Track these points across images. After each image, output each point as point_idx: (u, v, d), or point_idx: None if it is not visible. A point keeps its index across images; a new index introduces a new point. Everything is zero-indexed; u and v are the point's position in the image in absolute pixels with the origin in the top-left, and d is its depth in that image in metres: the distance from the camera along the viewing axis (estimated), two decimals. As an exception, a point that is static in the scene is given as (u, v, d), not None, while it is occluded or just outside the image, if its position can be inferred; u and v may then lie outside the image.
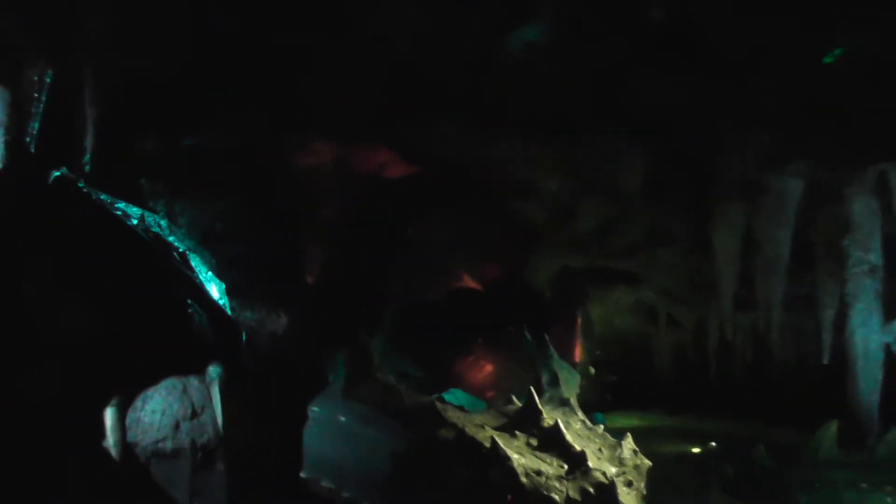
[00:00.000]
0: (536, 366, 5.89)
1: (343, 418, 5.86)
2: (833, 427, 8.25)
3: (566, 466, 4.64)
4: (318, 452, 5.79)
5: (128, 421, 5.22)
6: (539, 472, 4.54)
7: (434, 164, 10.59)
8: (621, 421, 10.75)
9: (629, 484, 4.68)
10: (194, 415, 5.41)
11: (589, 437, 5.05)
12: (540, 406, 5.09)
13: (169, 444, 5.29)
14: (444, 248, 11.79)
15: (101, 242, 5.77)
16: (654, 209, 11.94)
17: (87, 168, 6.74)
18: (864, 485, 7.50)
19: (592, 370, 12.27)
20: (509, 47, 8.72)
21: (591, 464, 4.58)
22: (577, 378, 6.46)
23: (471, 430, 5.08)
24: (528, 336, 6.91)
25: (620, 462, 4.84)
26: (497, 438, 4.73)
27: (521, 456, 4.67)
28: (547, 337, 6.69)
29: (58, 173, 6.20)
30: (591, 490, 4.38)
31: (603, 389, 13.18)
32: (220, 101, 8.06)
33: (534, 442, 4.88)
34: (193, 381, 5.56)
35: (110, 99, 6.81)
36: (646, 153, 10.30)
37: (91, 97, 6.69)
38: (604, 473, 4.49)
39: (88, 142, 6.72)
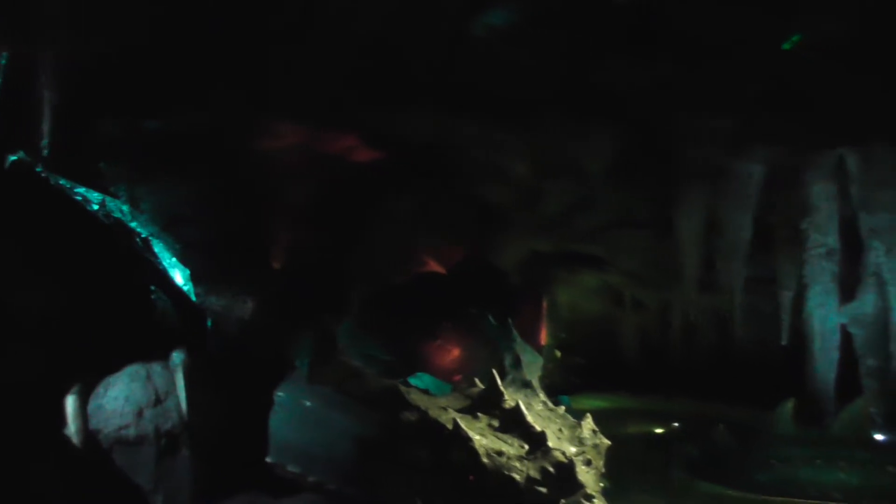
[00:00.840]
0: (500, 349, 5.92)
1: (309, 403, 5.83)
2: (790, 405, 8.44)
3: (527, 447, 4.68)
4: (283, 437, 5.78)
5: (90, 408, 5.19)
6: (500, 453, 4.59)
7: (400, 148, 10.55)
8: (587, 403, 10.85)
9: (588, 463, 4.75)
10: (158, 401, 5.38)
11: (550, 418, 5.10)
12: (501, 388, 5.12)
13: (132, 431, 5.25)
14: (410, 232, 11.77)
15: (59, 228, 5.69)
16: (619, 193, 12.03)
17: (45, 152, 6.64)
18: (819, 461, 7.69)
19: (558, 353, 12.38)
20: (475, 31, 8.71)
21: (550, 444, 4.64)
22: (541, 361, 6.53)
23: (434, 412, 5.11)
24: (492, 320, 6.94)
25: (580, 442, 4.90)
26: (459, 420, 4.77)
27: (482, 437, 4.71)
28: (510, 321, 6.74)
29: (14, 157, 6.09)
30: (551, 469, 4.43)
31: (569, 372, 13.27)
32: (182, 84, 7.95)
33: (495, 423, 4.92)
34: (157, 368, 5.53)
35: (68, 81, 6.69)
36: (611, 137, 10.35)
37: (48, 79, 6.57)
38: (563, 453, 4.55)
39: (46, 125, 6.60)
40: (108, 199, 7.21)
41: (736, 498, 7.54)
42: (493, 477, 4.52)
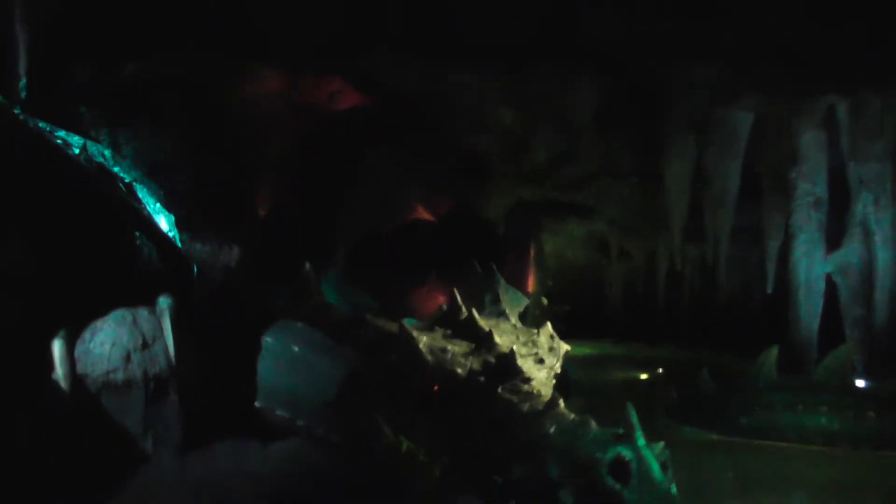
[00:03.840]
0: (481, 291, 5.88)
1: (297, 348, 5.79)
2: (774, 353, 8.48)
3: (474, 346, 4.74)
4: (272, 382, 5.75)
5: (77, 353, 5.11)
6: (444, 350, 4.64)
7: (386, 95, 10.40)
8: (573, 350, 10.96)
9: (541, 361, 4.78)
10: (145, 346, 5.32)
11: (512, 332, 5.12)
12: (460, 303, 5.13)
13: (120, 376, 5.19)
14: (397, 182, 11.69)
15: (39, 171, 5.55)
16: (606, 142, 11.97)
17: (23, 94, 6.46)
18: (801, 407, 7.78)
19: (545, 301, 12.42)
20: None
21: (497, 341, 4.67)
22: (525, 301, 6.53)
23: (388, 328, 5.14)
24: (477, 266, 6.91)
25: (534, 344, 4.93)
26: (405, 325, 4.80)
27: (429, 339, 4.75)
28: (494, 266, 6.71)
29: (-9, 99, 5.93)
30: (493, 361, 4.46)
31: (555, 319, 13.33)
32: (162, 28, 7.75)
33: (448, 332, 4.95)
34: (143, 313, 5.45)
35: (43, 22, 6.48)
36: (597, 86, 10.23)
37: (22, 19, 6.36)
38: (507, 348, 4.58)
39: (22, 66, 6.42)
40: (89, 143, 7.04)
41: (718, 442, 7.66)
42: (437, 372, 4.55)
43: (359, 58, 9.48)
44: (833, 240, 10.23)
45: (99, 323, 5.24)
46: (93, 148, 7.10)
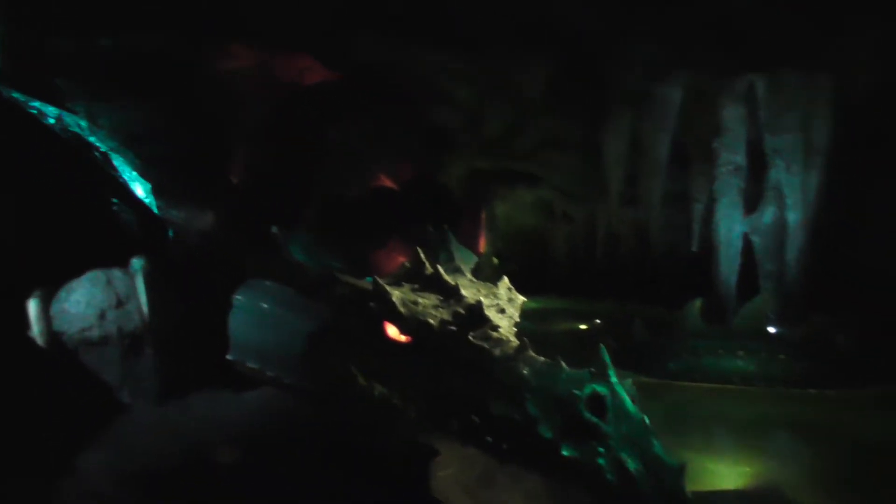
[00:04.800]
0: (436, 250, 5.75)
1: (266, 305, 5.63)
2: (698, 304, 8.54)
3: (442, 298, 4.63)
4: (243, 337, 5.61)
5: (53, 311, 4.88)
6: (416, 303, 4.54)
7: (352, 70, 10.08)
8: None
9: (501, 311, 4.71)
10: (119, 304, 5.09)
11: (472, 286, 5.03)
12: (423, 259, 5.01)
13: (96, 332, 4.98)
14: (362, 151, 11.42)
15: (13, 140, 5.22)
16: (552, 116, 11.81)
17: (-2, 66, 6.06)
18: (721, 351, 7.84)
19: (496, 260, 12.34)
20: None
21: (464, 293, 4.58)
22: (474, 259, 6.43)
23: (361, 284, 4.99)
24: (431, 228, 6.78)
25: (495, 296, 4.85)
26: (379, 280, 4.67)
27: (400, 293, 4.63)
28: (446, 227, 6.59)
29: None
30: (462, 311, 4.37)
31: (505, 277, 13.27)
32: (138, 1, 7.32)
33: (416, 286, 4.83)
34: (117, 273, 5.21)
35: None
36: (544, 63, 10.03)
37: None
38: (474, 299, 4.49)
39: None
40: (64, 113, 6.67)
41: (649, 384, 7.67)
42: (410, 323, 4.45)
43: (328, 36, 9.14)
44: (750, 203, 10.25)
45: (74, 283, 5.00)
46: (68, 118, 6.74)
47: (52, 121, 6.24)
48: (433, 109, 11.70)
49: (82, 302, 4.95)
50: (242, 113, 9.20)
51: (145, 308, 5.17)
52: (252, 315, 5.62)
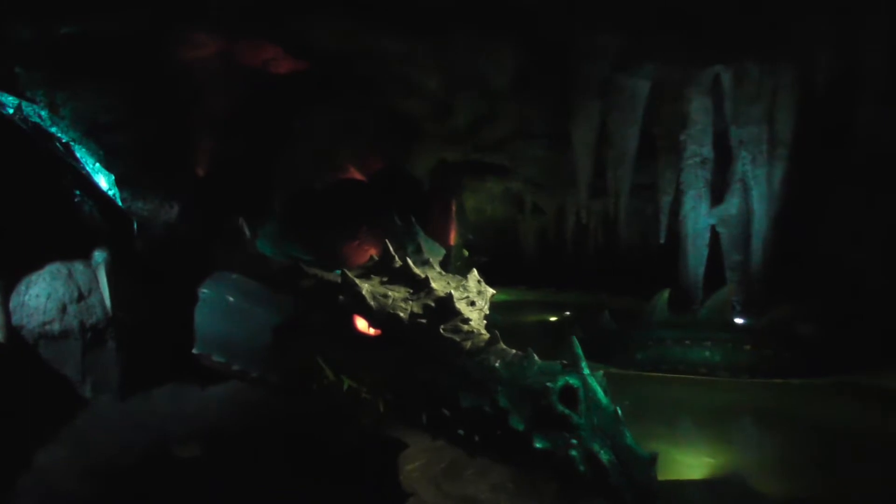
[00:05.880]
0: (404, 242, 5.74)
1: (232, 299, 5.57)
2: (666, 295, 8.64)
3: (412, 291, 4.62)
4: (209, 330, 5.55)
5: (12, 305, 4.78)
6: (385, 296, 4.51)
7: (318, 59, 9.97)
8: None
9: (472, 304, 4.71)
10: (81, 297, 5.01)
11: (441, 278, 5.02)
12: (393, 253, 4.99)
13: (56, 326, 4.89)
14: (330, 142, 11.33)
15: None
16: (521, 107, 11.84)
17: (-49, 53, 5.88)
18: (688, 342, 7.95)
19: (466, 252, 12.35)
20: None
21: (434, 286, 4.58)
22: (442, 251, 6.41)
23: (328, 276, 4.95)
24: (397, 219, 6.75)
25: (465, 289, 4.85)
26: (347, 273, 4.64)
27: (370, 286, 4.61)
28: (413, 218, 6.57)
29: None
30: (433, 304, 4.37)
31: (475, 269, 13.30)
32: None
33: (385, 279, 4.81)
34: (79, 266, 5.12)
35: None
36: (512, 54, 10.04)
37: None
38: (444, 292, 4.49)
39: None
40: (24, 103, 6.51)
41: (617, 374, 7.76)
42: (380, 315, 4.44)
43: (292, 23, 9.03)
44: (717, 194, 10.41)
45: (34, 276, 4.91)
46: (28, 108, 6.59)
47: (10, 111, 6.09)
48: (401, 100, 11.65)
49: (43, 295, 4.86)
50: (208, 101, 9.07)
51: (108, 301, 5.09)
52: (217, 308, 5.56)
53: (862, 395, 6.98)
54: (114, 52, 7.81)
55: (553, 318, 11.82)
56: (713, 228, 10.50)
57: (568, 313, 11.93)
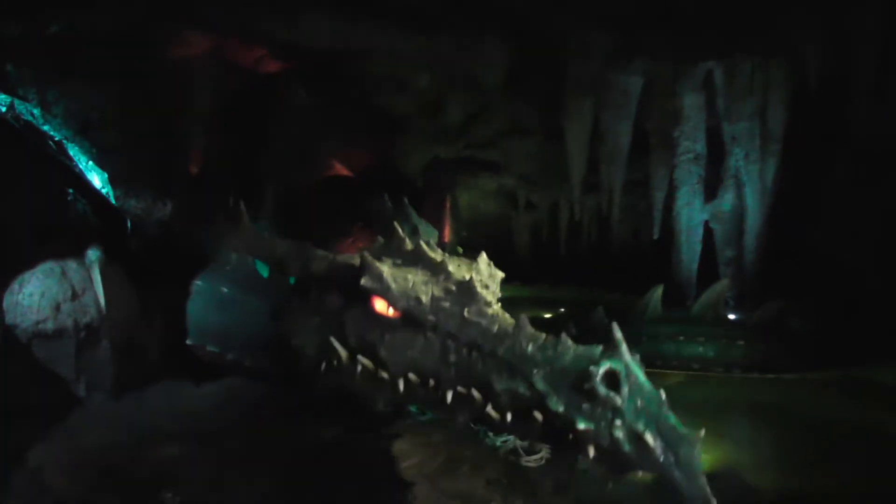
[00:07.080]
0: (398, 224, 5.69)
1: (226, 289, 5.56)
2: (659, 290, 8.68)
3: (430, 274, 4.57)
4: (203, 321, 5.54)
5: (5, 304, 4.78)
6: (406, 279, 4.45)
7: (309, 59, 9.97)
8: (484, 292, 10.97)
9: (486, 287, 4.68)
10: (75, 296, 5.01)
11: (452, 260, 4.97)
12: (403, 234, 4.93)
13: (50, 325, 4.90)
14: (320, 139, 11.34)
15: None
16: (514, 103, 11.87)
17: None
18: (682, 337, 7.99)
19: (460, 249, 12.37)
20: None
21: (451, 269, 4.54)
22: (435, 232, 6.36)
23: (341, 258, 4.89)
24: (388, 202, 6.67)
25: (478, 272, 4.80)
26: (366, 255, 4.58)
27: (389, 269, 4.55)
28: (406, 200, 6.50)
29: None
30: (453, 288, 4.33)
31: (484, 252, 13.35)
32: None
33: (399, 262, 4.75)
34: (72, 265, 5.12)
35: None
36: (505, 50, 10.05)
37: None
38: (462, 276, 4.46)
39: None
40: (17, 101, 6.50)
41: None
42: (402, 299, 4.38)
43: (283, 22, 9.01)
44: (710, 190, 10.47)
45: (27, 275, 4.90)
46: (20, 106, 6.57)
47: (3, 109, 6.08)
48: (391, 96, 11.66)
49: (36, 294, 4.86)
50: (199, 99, 9.06)
51: (101, 300, 5.09)
52: (212, 300, 5.55)
53: (855, 390, 7.04)
54: (106, 50, 7.79)
55: (548, 315, 11.85)
56: (706, 224, 10.57)
57: (562, 310, 11.95)
